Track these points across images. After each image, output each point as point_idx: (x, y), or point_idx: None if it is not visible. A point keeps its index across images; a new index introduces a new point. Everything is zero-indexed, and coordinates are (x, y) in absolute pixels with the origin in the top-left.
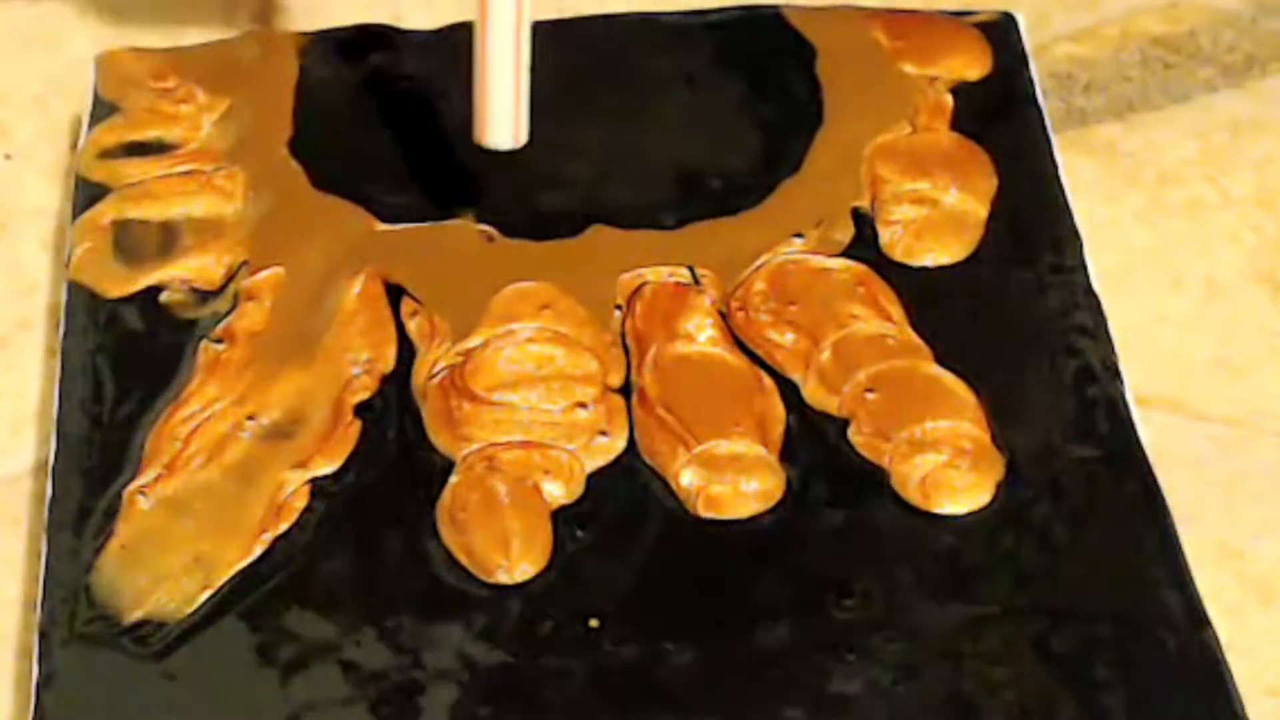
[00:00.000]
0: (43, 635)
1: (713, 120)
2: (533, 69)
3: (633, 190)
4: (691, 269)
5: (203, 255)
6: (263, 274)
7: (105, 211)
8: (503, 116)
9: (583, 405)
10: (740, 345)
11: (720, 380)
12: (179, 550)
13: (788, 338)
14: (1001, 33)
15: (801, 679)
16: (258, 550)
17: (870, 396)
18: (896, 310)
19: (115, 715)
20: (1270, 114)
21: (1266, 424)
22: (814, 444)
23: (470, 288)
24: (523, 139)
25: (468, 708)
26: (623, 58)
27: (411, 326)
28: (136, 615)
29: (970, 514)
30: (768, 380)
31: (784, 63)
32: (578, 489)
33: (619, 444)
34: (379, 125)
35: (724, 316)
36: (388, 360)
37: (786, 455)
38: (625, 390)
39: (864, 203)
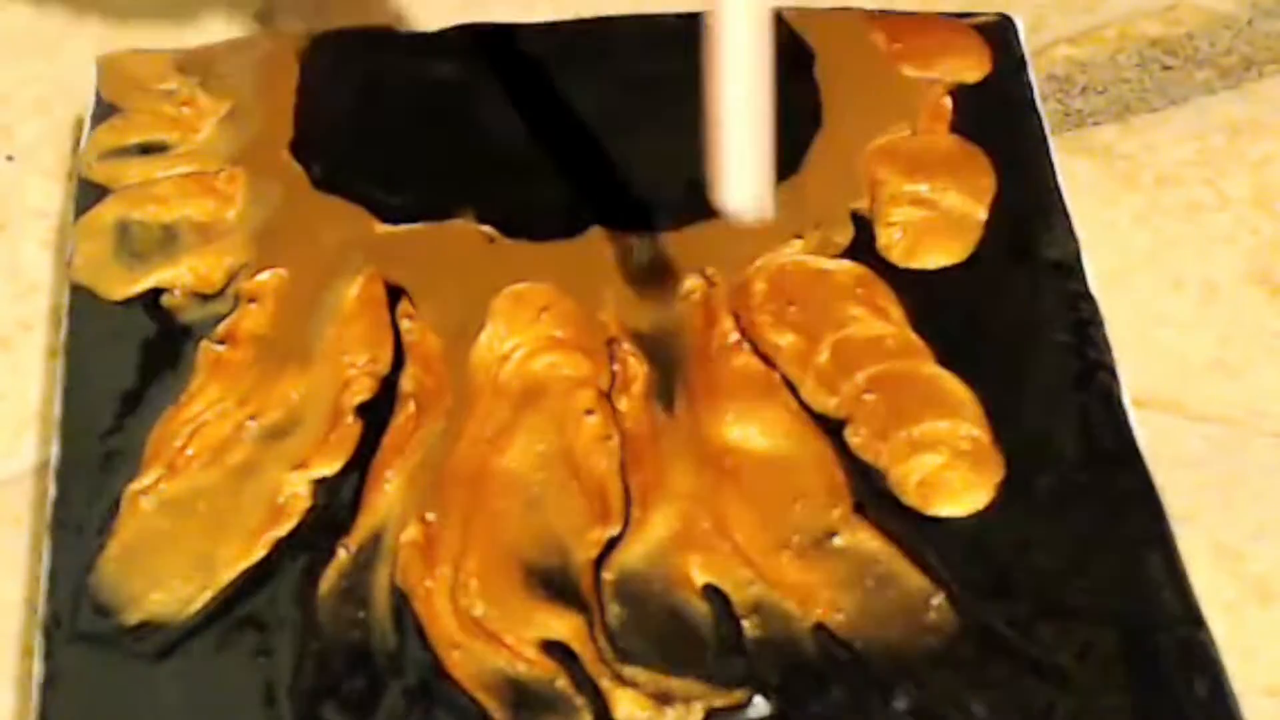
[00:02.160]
0: (44, 635)
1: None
2: (533, 69)
3: (633, 190)
4: (703, 271)
5: (204, 256)
6: (264, 275)
7: (107, 213)
8: (744, 180)
9: (590, 412)
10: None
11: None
12: (180, 551)
13: (786, 339)
14: (1000, 35)
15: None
16: (258, 551)
17: (868, 397)
18: (896, 311)
19: (117, 715)
20: (1268, 116)
21: (1264, 424)
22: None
23: (470, 288)
24: (768, 210)
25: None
26: (622, 59)
27: (405, 328)
28: (138, 615)
29: (969, 515)
30: (776, 377)
31: (783, 64)
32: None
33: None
34: (379, 125)
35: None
36: (387, 361)
37: None
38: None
39: (863, 205)
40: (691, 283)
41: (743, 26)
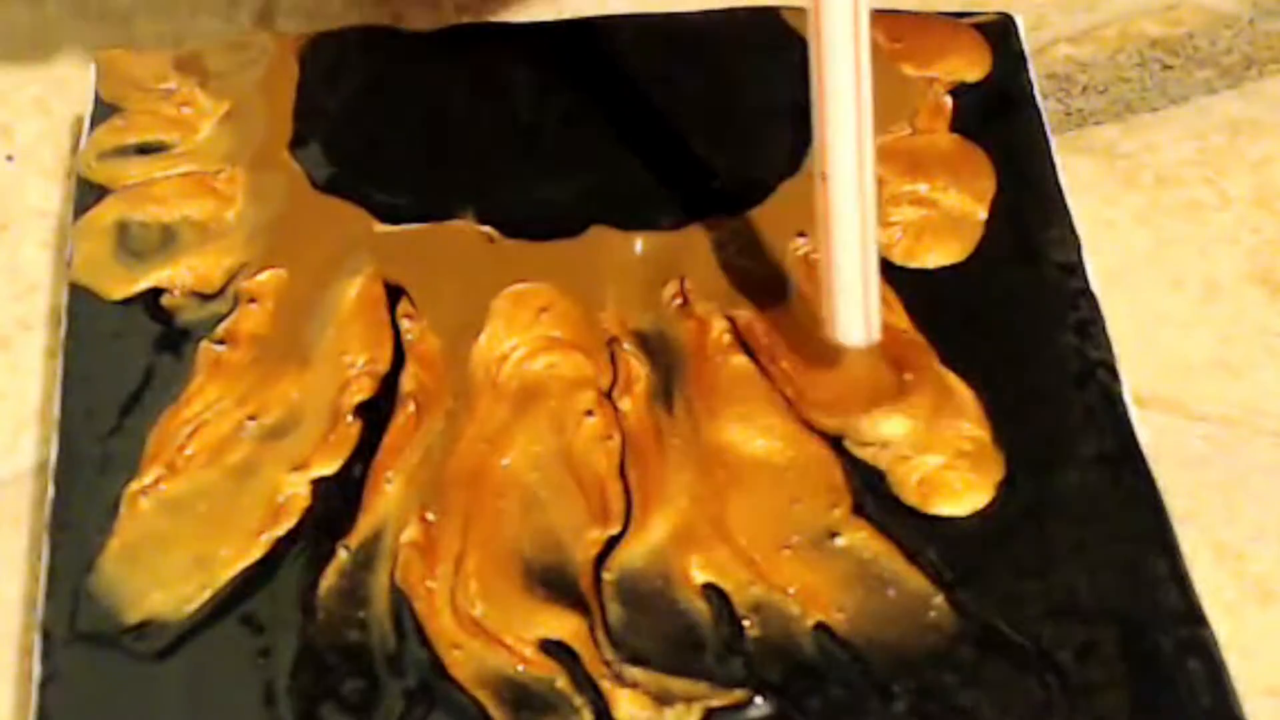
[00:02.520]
0: (43, 635)
1: (713, 120)
2: (533, 69)
3: (633, 190)
4: (682, 280)
5: (203, 256)
6: (263, 275)
7: (106, 212)
8: (854, 313)
9: (590, 413)
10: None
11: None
12: (179, 550)
13: None
14: (1000, 34)
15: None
16: (257, 551)
17: None
18: (898, 310)
19: (116, 715)
20: (1268, 115)
21: (1265, 424)
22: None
23: (470, 288)
24: (876, 336)
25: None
26: (622, 58)
27: (405, 328)
28: (137, 615)
29: (969, 515)
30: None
31: (784, 63)
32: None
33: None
34: (379, 125)
35: (731, 320)
36: (386, 361)
37: None
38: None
39: None
40: (692, 282)
41: (851, 183)
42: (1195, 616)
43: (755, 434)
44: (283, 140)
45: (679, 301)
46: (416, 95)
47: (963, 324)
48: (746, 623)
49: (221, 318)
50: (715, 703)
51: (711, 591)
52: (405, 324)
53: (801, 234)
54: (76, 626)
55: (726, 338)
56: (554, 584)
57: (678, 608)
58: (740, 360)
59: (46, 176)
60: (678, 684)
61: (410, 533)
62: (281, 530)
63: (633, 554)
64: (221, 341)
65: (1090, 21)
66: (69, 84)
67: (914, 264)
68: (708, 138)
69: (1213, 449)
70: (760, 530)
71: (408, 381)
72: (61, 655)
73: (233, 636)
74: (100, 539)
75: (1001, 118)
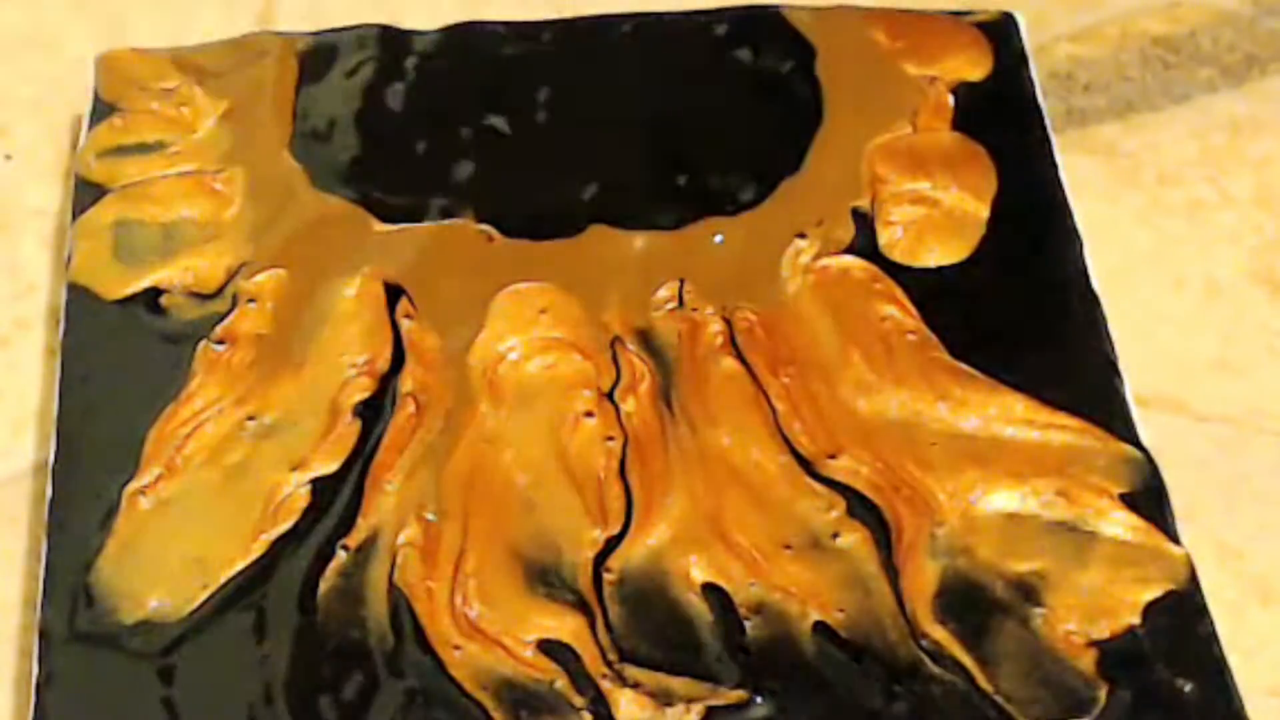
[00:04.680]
0: (43, 635)
1: (713, 120)
2: (533, 69)
3: (633, 190)
4: (681, 282)
5: (202, 256)
6: (262, 275)
7: (105, 212)
8: None
9: (589, 414)
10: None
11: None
12: (179, 550)
13: None
14: (1002, 32)
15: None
16: (256, 551)
17: None
18: (909, 308)
19: (115, 715)
20: (1270, 114)
21: (1266, 424)
22: None
23: (470, 288)
24: None
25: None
26: (623, 57)
27: (405, 328)
28: (136, 615)
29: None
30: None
31: (784, 63)
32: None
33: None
34: (379, 125)
35: (728, 323)
36: (386, 360)
37: None
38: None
39: (864, 203)
40: (692, 283)
41: None
42: (1198, 615)
43: (742, 438)
44: (282, 140)
45: (673, 304)
46: (416, 95)
47: (963, 323)
48: (747, 623)
49: (220, 318)
50: (715, 702)
51: (711, 591)
52: (405, 324)
53: (801, 234)
54: (75, 626)
55: (719, 340)
56: (554, 584)
57: (678, 608)
58: (730, 363)
59: (45, 176)
60: (678, 684)
61: (410, 533)
62: (281, 530)
63: (633, 554)
64: (221, 341)
65: (1092, 20)
66: (68, 83)
67: (916, 263)
68: (708, 138)
69: (1214, 448)
70: (761, 530)
71: (407, 381)
72: (60, 655)
73: (233, 636)
74: (99, 539)
75: (1003, 116)
